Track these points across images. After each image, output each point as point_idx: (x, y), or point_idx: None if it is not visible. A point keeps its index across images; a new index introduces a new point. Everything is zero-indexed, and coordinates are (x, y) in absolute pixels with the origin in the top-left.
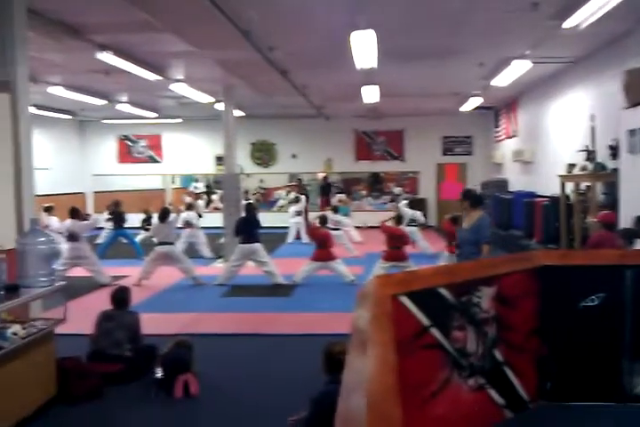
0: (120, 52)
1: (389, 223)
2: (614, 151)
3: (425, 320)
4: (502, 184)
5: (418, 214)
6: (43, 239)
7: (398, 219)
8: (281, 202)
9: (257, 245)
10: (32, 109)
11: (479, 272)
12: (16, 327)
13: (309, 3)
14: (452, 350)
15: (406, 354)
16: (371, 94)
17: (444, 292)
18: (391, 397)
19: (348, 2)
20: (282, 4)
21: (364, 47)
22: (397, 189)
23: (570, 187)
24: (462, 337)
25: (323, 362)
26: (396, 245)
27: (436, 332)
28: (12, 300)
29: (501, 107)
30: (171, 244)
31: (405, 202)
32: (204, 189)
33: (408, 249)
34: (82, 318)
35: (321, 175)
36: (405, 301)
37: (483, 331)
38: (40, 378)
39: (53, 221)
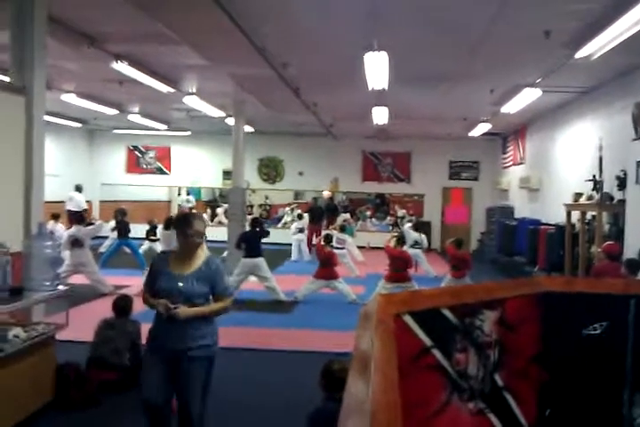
0: (135, 63)
1: (392, 244)
2: (621, 182)
3: (427, 341)
4: (508, 211)
5: (422, 237)
6: (49, 243)
7: (400, 240)
8: (286, 218)
9: (260, 260)
10: (44, 116)
11: (483, 295)
12: (18, 330)
13: (325, 22)
14: (453, 372)
15: (406, 374)
16: (380, 115)
17: (447, 313)
18: (394, 414)
19: (363, 23)
20: (298, 22)
21: (377, 68)
22: (401, 212)
23: (576, 216)
24: (464, 360)
25: (321, 379)
26: (400, 267)
27: (437, 353)
28: (15, 302)
29: (509, 133)
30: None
31: (410, 224)
32: (194, 204)
33: (411, 272)
34: (83, 325)
35: (326, 195)
36: (408, 320)
37: (484, 354)
38: (38, 382)
39: (58, 229)
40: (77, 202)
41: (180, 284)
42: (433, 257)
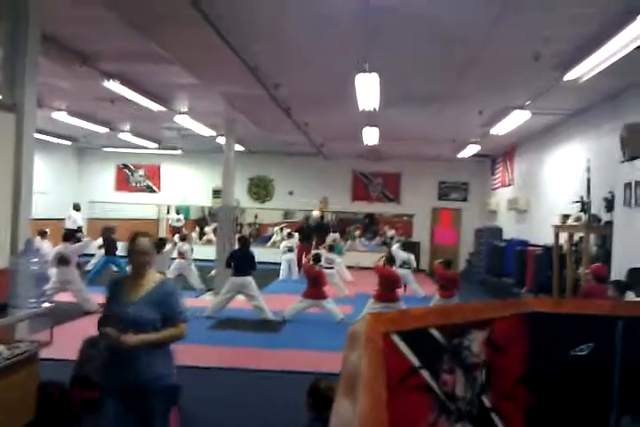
0: (126, 81)
1: (381, 263)
2: (609, 204)
3: (415, 361)
4: (496, 232)
5: (410, 257)
6: (35, 260)
7: (390, 260)
8: (275, 238)
9: (248, 279)
10: (35, 134)
11: (472, 315)
12: (1, 348)
13: (316, 43)
14: (441, 392)
15: (394, 394)
16: (371, 136)
17: (435, 333)
18: None
19: (354, 44)
20: (289, 43)
21: (368, 89)
22: (390, 232)
23: (563, 237)
24: (451, 380)
25: (307, 398)
26: (389, 286)
27: (425, 373)
28: None
29: (498, 155)
30: (162, 273)
31: (398, 244)
32: (183, 223)
33: (400, 292)
34: (67, 343)
35: (316, 214)
36: (397, 339)
37: (472, 375)
38: (21, 400)
39: (45, 246)
40: (73, 220)
41: (129, 309)
42: (422, 277)
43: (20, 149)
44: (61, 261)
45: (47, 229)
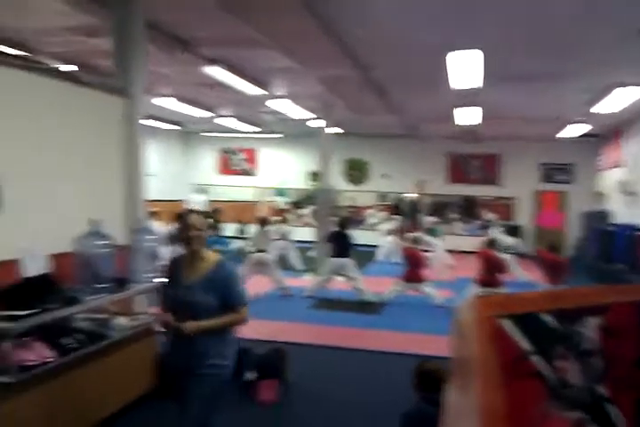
0: (226, 67)
1: (484, 247)
2: None
3: (527, 346)
4: (604, 215)
5: (515, 242)
6: (150, 238)
7: (492, 244)
8: (371, 220)
9: (347, 260)
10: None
11: (584, 300)
12: (121, 319)
13: (413, 23)
14: (553, 379)
15: (505, 380)
16: (469, 116)
17: (547, 318)
18: (501, 421)
19: (451, 22)
20: (386, 24)
21: (467, 67)
22: (490, 215)
23: None
24: (564, 367)
25: (414, 380)
26: (492, 271)
27: (537, 359)
28: (121, 292)
29: (606, 135)
30: (265, 251)
31: (501, 228)
32: (285, 206)
33: (503, 277)
34: None
35: (412, 197)
36: (507, 324)
37: (586, 362)
38: (141, 370)
39: (155, 225)
40: (188, 202)
41: (185, 294)
42: (525, 262)
43: (131, 133)
44: (173, 240)
45: (157, 210)
